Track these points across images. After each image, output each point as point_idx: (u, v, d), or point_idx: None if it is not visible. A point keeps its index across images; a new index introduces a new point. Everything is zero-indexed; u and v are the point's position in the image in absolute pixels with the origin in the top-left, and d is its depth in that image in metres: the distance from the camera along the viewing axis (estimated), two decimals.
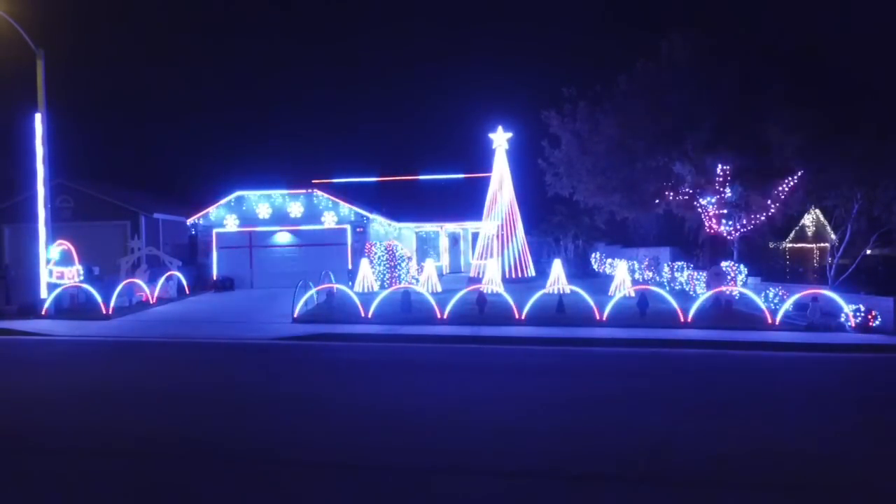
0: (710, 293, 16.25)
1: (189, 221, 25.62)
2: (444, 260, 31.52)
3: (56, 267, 17.86)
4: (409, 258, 24.59)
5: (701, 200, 18.49)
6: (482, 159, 30.17)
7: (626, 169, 17.81)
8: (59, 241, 18.34)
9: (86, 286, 17.72)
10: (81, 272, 18.50)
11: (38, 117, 17.61)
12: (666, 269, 23.32)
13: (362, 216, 25.08)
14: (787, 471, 5.91)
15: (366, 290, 21.37)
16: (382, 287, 21.41)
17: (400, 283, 21.55)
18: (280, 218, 25.06)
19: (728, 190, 17.74)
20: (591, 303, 15.39)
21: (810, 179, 16.90)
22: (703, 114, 15.94)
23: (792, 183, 17.35)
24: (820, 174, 16.42)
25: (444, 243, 31.63)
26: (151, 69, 70.79)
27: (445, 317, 15.37)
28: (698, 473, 5.84)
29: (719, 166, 17.35)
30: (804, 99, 14.81)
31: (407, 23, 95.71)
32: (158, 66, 71.20)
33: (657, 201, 19.20)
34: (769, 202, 17.87)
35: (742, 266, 19.62)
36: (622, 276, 20.20)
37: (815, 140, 15.16)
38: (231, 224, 25.05)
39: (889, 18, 17.06)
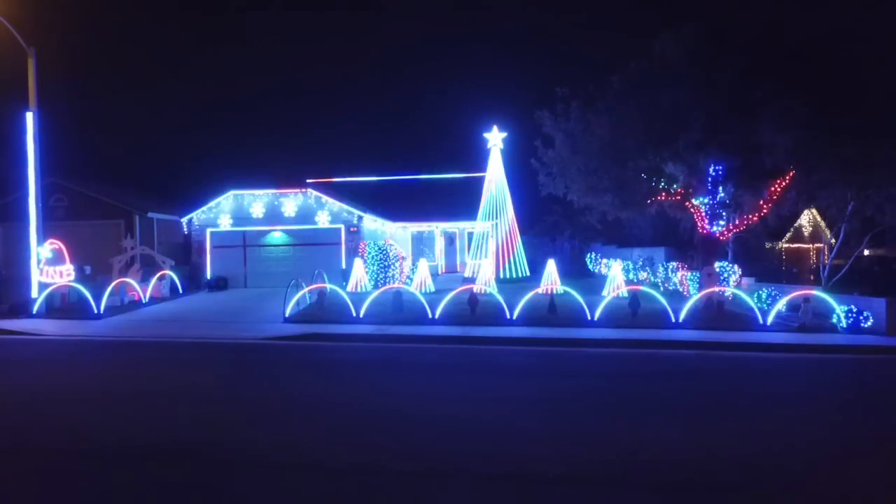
0: (702, 293, 16.21)
1: (183, 220, 25.56)
2: (440, 260, 31.45)
3: (48, 266, 17.81)
4: (404, 258, 24.54)
5: (693, 201, 18.45)
6: (477, 159, 30.12)
7: (618, 169, 17.75)
8: (51, 241, 18.30)
9: (77, 286, 17.67)
10: (72, 271, 18.45)
11: (29, 116, 17.57)
12: (660, 269, 23.31)
13: (356, 216, 25.03)
14: (769, 476, 5.87)
15: (359, 290, 21.33)
16: (376, 287, 21.38)
17: (393, 283, 21.51)
18: (274, 217, 25.01)
19: (720, 190, 17.71)
20: (583, 303, 15.35)
21: (802, 180, 16.87)
22: (695, 113, 15.90)
23: (784, 183, 17.32)
24: (811, 174, 16.40)
25: (439, 243, 31.56)
26: (145, 68, 70.70)
27: (437, 317, 15.33)
28: (680, 477, 5.80)
29: (711, 166, 17.32)
30: (795, 99, 14.78)
31: (402, 22, 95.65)
32: (152, 65, 71.08)
33: (649, 202, 19.15)
34: (761, 202, 17.83)
35: (736, 267, 19.60)
36: (616, 276, 20.17)
37: (805, 140, 15.13)
38: (225, 223, 25.00)
39: (880, 19, 17.01)
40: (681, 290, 20.53)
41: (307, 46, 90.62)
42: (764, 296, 16.27)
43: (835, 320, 14.23)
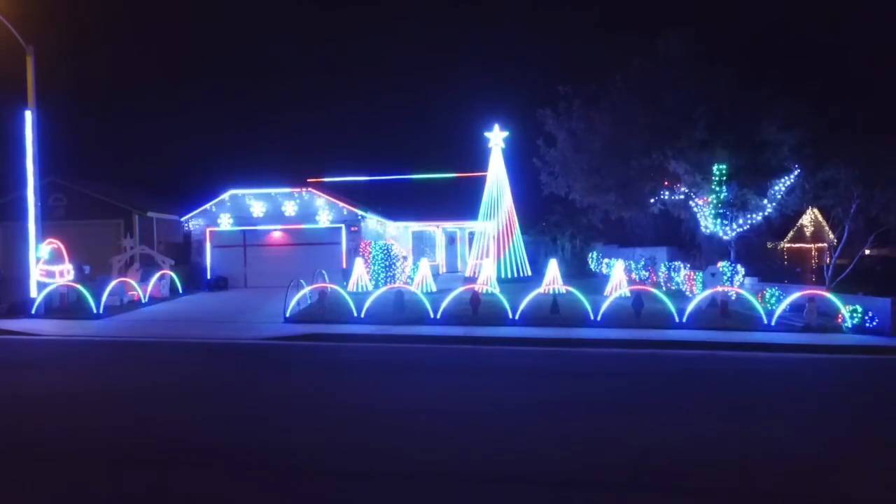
0: (705, 293, 16.09)
1: (183, 220, 25.44)
2: (441, 259, 31.36)
3: (47, 266, 17.70)
4: (405, 257, 24.44)
5: (697, 200, 18.34)
6: (479, 158, 30.01)
7: (621, 168, 17.67)
8: (49, 240, 18.19)
9: (76, 285, 17.55)
10: (71, 271, 18.34)
11: (28, 115, 17.46)
12: (663, 269, 23.19)
13: (357, 215, 24.91)
14: (775, 478, 5.75)
15: (360, 290, 21.21)
16: (377, 287, 21.26)
17: (395, 282, 21.40)
18: (274, 217, 24.89)
19: (724, 189, 17.60)
20: (586, 303, 15.23)
21: (806, 178, 16.76)
22: (699, 112, 15.80)
23: (788, 182, 17.20)
24: (816, 173, 16.28)
25: (440, 243, 31.46)
26: (145, 66, 70.58)
27: (438, 317, 15.21)
28: (684, 481, 5.69)
29: (715, 165, 17.21)
30: (800, 97, 14.67)
31: (402, 21, 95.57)
32: (152, 64, 70.98)
33: (652, 200, 19.04)
34: (765, 201, 17.71)
35: (739, 266, 19.46)
36: (618, 276, 20.05)
37: (810, 139, 15.03)
38: (225, 223, 24.88)
39: (886, 17, 16.90)
40: (684, 289, 20.41)
41: (308, 45, 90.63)
42: (768, 296, 16.14)
43: (839, 320, 14.11)
